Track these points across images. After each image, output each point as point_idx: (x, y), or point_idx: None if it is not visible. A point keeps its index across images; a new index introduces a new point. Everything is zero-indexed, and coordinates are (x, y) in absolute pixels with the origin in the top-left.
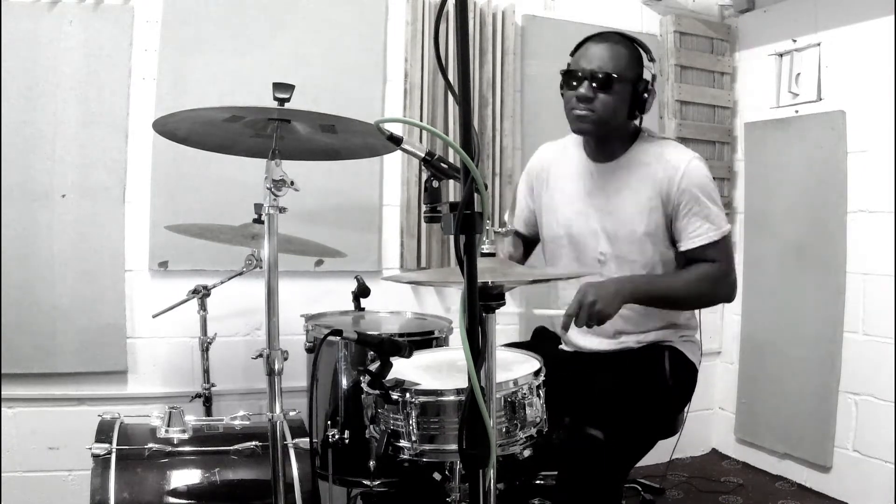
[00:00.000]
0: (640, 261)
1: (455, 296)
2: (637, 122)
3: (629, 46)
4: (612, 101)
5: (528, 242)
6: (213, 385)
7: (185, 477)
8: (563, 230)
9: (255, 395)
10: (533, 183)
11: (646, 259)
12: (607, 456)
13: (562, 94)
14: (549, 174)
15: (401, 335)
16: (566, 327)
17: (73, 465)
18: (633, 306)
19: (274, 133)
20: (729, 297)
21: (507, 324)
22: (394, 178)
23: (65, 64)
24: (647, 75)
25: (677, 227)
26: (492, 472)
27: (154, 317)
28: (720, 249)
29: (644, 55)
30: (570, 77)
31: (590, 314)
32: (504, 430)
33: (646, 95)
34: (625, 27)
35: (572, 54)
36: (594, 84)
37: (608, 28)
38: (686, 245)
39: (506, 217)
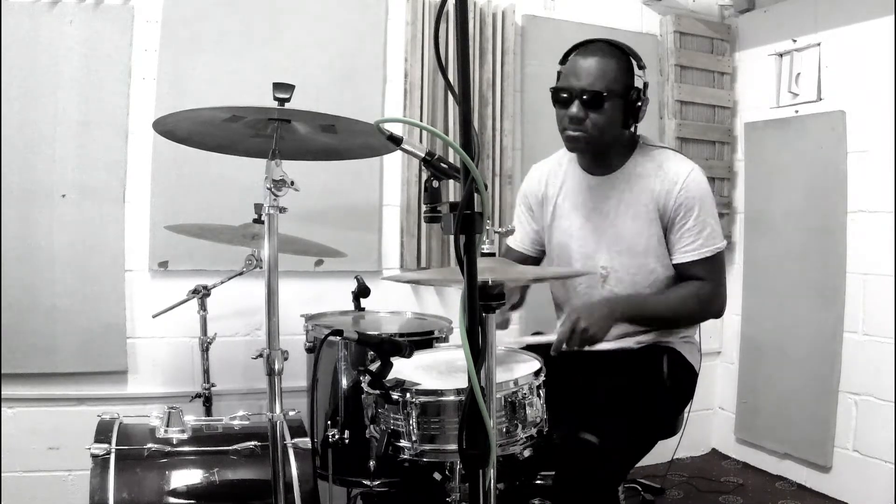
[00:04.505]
0: (641, 275)
1: (454, 296)
2: (633, 130)
3: (619, 56)
4: (603, 120)
5: (538, 262)
6: (213, 385)
7: (185, 477)
8: (566, 246)
9: (255, 395)
10: (531, 204)
11: (647, 273)
12: (602, 459)
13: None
14: (547, 192)
15: (401, 335)
16: (557, 351)
17: (73, 465)
18: None
19: (274, 133)
20: (718, 315)
21: None
22: (394, 178)
23: (65, 64)
24: (638, 83)
25: (670, 239)
26: (492, 472)
27: (154, 317)
28: (711, 267)
29: (634, 63)
30: (559, 95)
31: (581, 339)
32: (504, 429)
33: (639, 104)
34: (625, 27)
35: (561, 63)
36: (584, 103)
37: (608, 29)
38: (677, 259)
39: (508, 241)
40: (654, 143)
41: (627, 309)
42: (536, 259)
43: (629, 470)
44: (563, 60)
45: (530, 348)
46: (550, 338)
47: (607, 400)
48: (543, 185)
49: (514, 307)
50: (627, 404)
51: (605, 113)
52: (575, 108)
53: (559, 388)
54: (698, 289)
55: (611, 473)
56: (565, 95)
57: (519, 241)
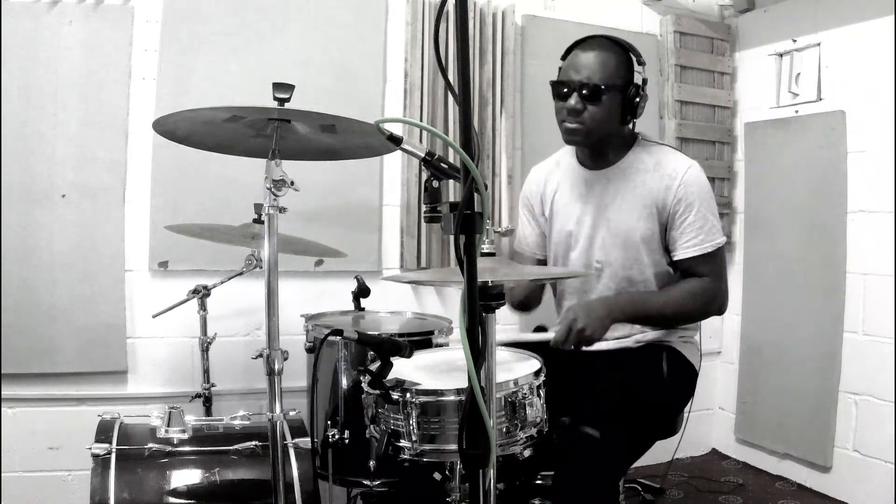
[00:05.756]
0: (635, 269)
1: (454, 296)
2: (631, 126)
3: (618, 52)
4: (601, 113)
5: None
6: (213, 385)
7: (185, 477)
8: (563, 241)
9: (255, 395)
10: (533, 205)
11: (641, 267)
12: (602, 454)
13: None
14: (546, 191)
15: (401, 335)
16: (555, 349)
17: (73, 465)
18: None
19: (274, 133)
20: (719, 312)
21: (506, 324)
22: (394, 178)
23: (65, 64)
24: (637, 80)
25: (671, 236)
26: (492, 472)
27: (154, 317)
28: (712, 262)
29: (634, 59)
30: (559, 88)
31: (578, 339)
32: (504, 430)
33: (637, 100)
34: (625, 27)
35: (563, 59)
36: (583, 96)
37: (608, 28)
38: (679, 255)
39: (515, 245)
40: (652, 140)
41: (627, 307)
42: (546, 260)
43: (630, 465)
44: (565, 56)
45: (529, 346)
46: (548, 336)
47: (608, 396)
48: (542, 185)
49: (527, 307)
50: (628, 400)
51: (602, 106)
52: (573, 101)
53: (559, 388)
54: (700, 286)
55: (612, 468)
56: (565, 89)
57: (525, 244)
